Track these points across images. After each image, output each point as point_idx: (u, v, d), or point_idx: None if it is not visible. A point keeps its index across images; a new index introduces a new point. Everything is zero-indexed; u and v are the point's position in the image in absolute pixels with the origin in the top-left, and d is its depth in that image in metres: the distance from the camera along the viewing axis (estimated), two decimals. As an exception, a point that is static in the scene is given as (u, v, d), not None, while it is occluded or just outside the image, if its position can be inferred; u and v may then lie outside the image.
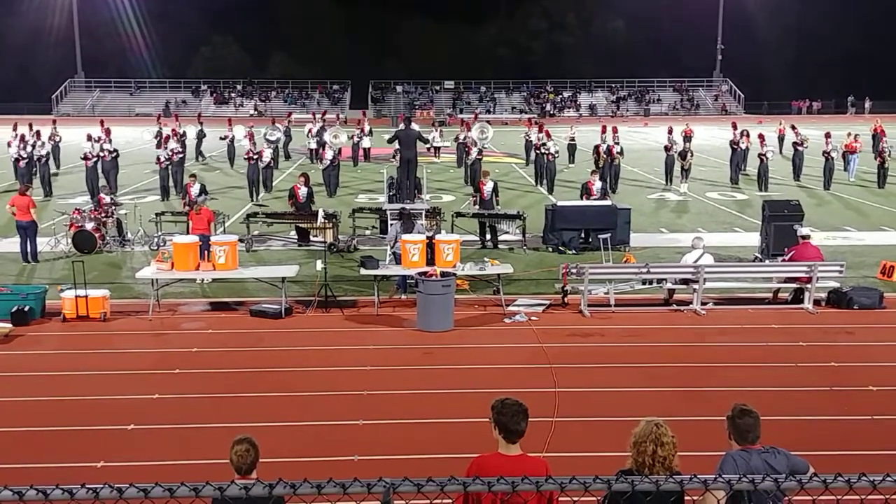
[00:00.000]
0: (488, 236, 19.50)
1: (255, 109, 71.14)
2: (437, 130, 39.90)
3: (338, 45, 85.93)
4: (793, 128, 32.78)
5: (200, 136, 37.84)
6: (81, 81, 79.08)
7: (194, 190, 20.00)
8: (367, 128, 38.28)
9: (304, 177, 20.43)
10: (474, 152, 28.29)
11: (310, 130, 36.28)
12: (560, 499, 4.82)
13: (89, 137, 27.66)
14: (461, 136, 33.02)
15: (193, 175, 21.57)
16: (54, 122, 36.83)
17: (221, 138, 35.44)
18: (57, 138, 33.37)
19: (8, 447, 8.95)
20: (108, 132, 28.23)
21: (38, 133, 28.55)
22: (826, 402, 10.25)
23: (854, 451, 8.67)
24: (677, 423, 9.02)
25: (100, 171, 26.71)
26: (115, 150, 27.49)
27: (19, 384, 10.85)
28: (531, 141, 35.08)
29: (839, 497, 3.05)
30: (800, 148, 30.54)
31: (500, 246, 19.23)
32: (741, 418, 5.30)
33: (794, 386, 10.76)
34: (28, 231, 17.54)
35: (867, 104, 76.60)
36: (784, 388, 10.66)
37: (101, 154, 26.95)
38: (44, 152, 27.88)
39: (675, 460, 4.87)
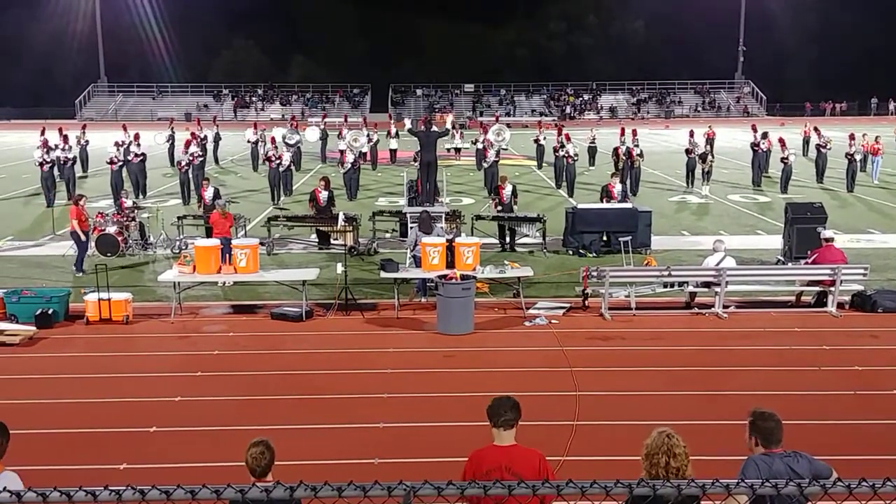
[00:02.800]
0: (508, 239, 19.49)
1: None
2: (457, 132, 39.96)
3: (357, 48, 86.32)
4: (816, 129, 32.53)
5: (217, 139, 38.07)
6: (104, 86, 79.80)
7: (208, 194, 20.11)
8: (393, 130, 38.45)
9: (324, 180, 20.51)
10: (491, 154, 28.25)
11: (340, 133, 36.19)
12: (581, 503, 4.80)
13: (117, 143, 27.89)
14: (479, 140, 33.04)
15: (206, 178, 21.70)
16: (84, 126, 37.19)
17: (248, 141, 35.65)
18: (84, 142, 33.68)
19: (32, 449, 9.02)
20: (136, 136, 28.45)
21: (65, 137, 28.83)
22: (850, 406, 10.14)
23: (879, 455, 8.57)
24: (699, 426, 8.99)
25: (125, 174, 26.95)
26: (143, 154, 27.75)
27: (43, 386, 10.95)
28: (541, 143, 35.13)
29: (864, 502, 3.02)
30: (823, 150, 30.30)
31: (521, 249, 19.21)
32: (764, 422, 5.23)
33: (818, 390, 10.66)
34: (73, 239, 17.51)
35: (891, 105, 75.95)
36: (807, 391, 10.57)
37: (129, 157, 27.18)
38: (70, 156, 28.12)
39: (689, 470, 4.79)
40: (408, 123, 20.23)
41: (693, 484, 3.03)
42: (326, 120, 44.80)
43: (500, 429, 5.45)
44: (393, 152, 37.74)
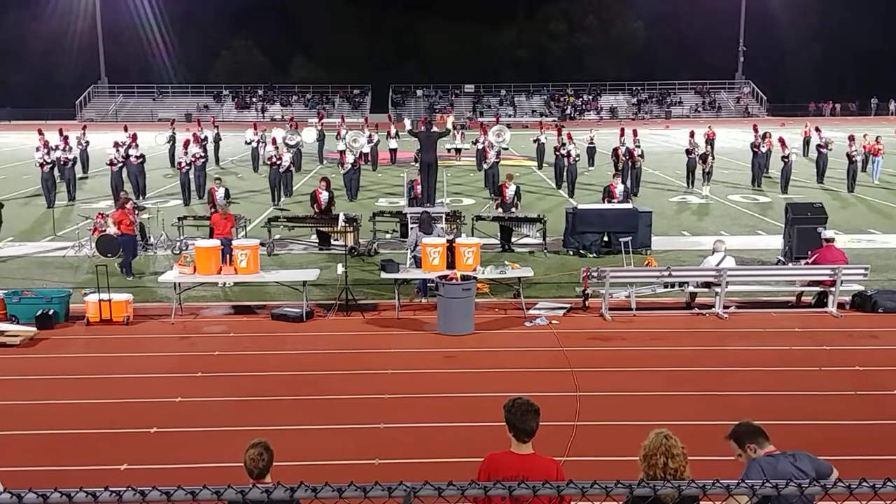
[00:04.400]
0: (514, 239, 19.51)
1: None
2: (458, 133, 39.93)
3: (358, 48, 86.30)
4: (817, 130, 32.53)
5: (217, 140, 38.07)
6: (105, 87, 79.79)
7: (219, 194, 20.14)
8: (393, 130, 38.42)
9: (325, 181, 20.50)
10: (492, 156, 28.22)
11: (338, 133, 36.10)
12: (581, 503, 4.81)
13: (115, 144, 27.92)
14: (479, 140, 33.03)
15: (219, 179, 21.69)
16: (84, 127, 37.17)
17: (248, 142, 35.66)
18: (84, 142, 33.68)
19: (32, 450, 9.03)
20: (134, 137, 28.49)
21: (65, 138, 28.83)
22: (850, 406, 10.14)
23: (879, 455, 8.57)
24: (699, 427, 8.99)
25: (125, 175, 26.95)
26: (142, 155, 27.77)
27: (43, 387, 10.95)
28: (542, 143, 35.16)
29: (864, 502, 3.02)
30: (823, 150, 30.28)
31: (521, 249, 19.21)
32: (746, 427, 5.29)
33: (818, 390, 10.66)
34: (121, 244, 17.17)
35: (892, 105, 75.96)
36: (808, 392, 10.56)
37: (129, 158, 27.19)
38: (70, 157, 28.14)
39: (687, 471, 4.80)
40: (408, 124, 20.18)
41: (693, 484, 3.03)
42: (324, 121, 44.70)
43: (519, 440, 5.13)
44: (393, 152, 37.74)
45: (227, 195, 19.97)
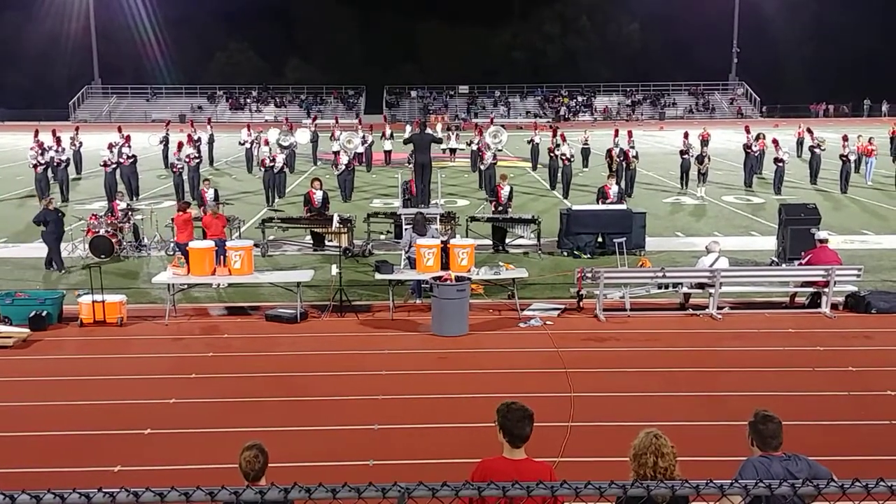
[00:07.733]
0: (508, 240, 19.52)
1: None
2: (453, 134, 39.95)
3: (352, 49, 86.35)
4: (809, 131, 32.65)
5: (211, 141, 38.02)
6: (98, 88, 79.69)
7: (209, 195, 20.10)
8: (388, 131, 38.41)
9: (318, 181, 20.47)
10: (488, 157, 28.21)
11: (332, 134, 36.02)
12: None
13: (110, 146, 27.89)
14: (475, 142, 33.02)
15: (207, 180, 21.67)
16: (77, 128, 37.10)
17: (241, 143, 35.62)
18: (77, 144, 33.63)
19: (25, 451, 9.01)
20: (127, 138, 28.45)
21: (58, 139, 28.78)
22: (844, 406, 10.16)
23: (872, 456, 8.59)
24: (693, 427, 9.01)
25: (118, 176, 26.92)
26: (134, 156, 27.73)
27: (37, 389, 10.92)
28: (536, 144, 35.19)
29: (857, 502, 3.03)
30: (817, 151, 30.35)
31: (515, 250, 19.21)
32: (764, 424, 5.24)
33: (812, 390, 10.69)
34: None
35: (884, 107, 76.21)
36: (801, 392, 10.59)
37: (121, 159, 27.16)
38: (63, 158, 28.08)
39: (677, 470, 4.81)
40: (407, 133, 20.13)
41: (687, 484, 3.03)
42: (317, 122, 44.75)
43: (513, 446, 5.05)
44: (387, 154, 37.76)
45: (216, 196, 19.93)
